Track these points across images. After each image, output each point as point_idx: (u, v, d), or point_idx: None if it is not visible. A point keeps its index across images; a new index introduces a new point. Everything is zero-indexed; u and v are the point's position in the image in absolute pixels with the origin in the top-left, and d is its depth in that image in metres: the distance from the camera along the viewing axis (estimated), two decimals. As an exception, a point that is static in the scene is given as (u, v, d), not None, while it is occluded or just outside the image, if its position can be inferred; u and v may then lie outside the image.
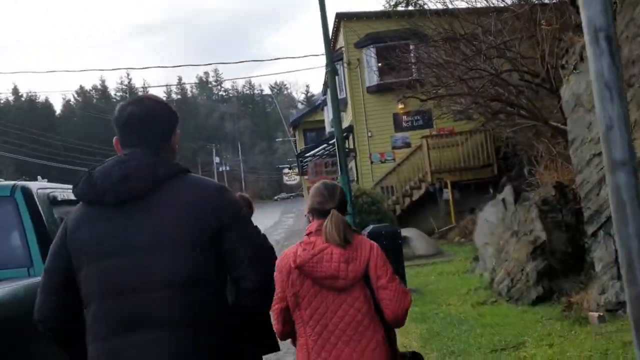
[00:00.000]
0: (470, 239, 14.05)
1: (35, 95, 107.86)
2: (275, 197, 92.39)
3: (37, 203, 3.27)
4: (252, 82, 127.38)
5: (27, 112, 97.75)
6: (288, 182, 46.46)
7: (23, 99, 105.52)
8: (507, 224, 6.58)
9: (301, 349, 2.41)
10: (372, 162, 17.38)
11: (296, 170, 32.63)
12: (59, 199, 3.52)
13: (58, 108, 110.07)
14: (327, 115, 23.93)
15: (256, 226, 1.83)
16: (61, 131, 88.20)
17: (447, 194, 16.01)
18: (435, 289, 8.20)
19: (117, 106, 1.86)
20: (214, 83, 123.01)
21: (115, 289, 1.65)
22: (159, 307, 1.63)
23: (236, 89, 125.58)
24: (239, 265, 1.72)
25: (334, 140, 17.12)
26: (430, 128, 17.33)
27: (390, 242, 7.61)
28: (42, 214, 3.25)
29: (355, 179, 17.49)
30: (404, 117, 17.54)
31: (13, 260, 3.16)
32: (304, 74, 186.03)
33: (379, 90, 17.31)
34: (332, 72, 10.51)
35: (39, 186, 3.52)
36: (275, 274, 1.91)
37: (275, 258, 1.91)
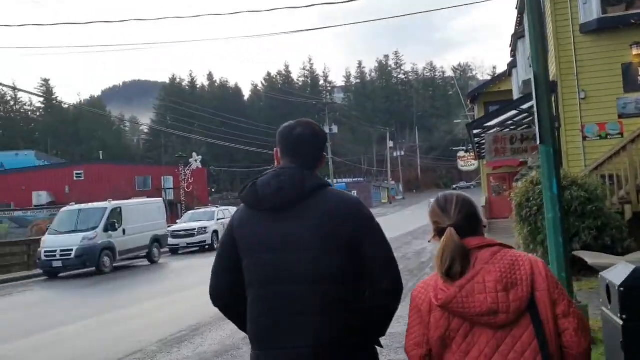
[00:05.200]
0: None
1: (227, 81, 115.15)
2: (454, 186, 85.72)
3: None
4: (434, 65, 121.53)
5: (219, 97, 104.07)
6: (463, 168, 39.37)
7: (216, 84, 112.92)
8: None
9: None
10: (585, 137, 11.58)
11: (472, 154, 26.90)
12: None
13: (246, 93, 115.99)
14: (516, 79, 18.16)
15: (385, 235, 2.10)
16: (248, 114, 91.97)
17: None
18: None
19: (285, 125, 2.22)
20: (393, 66, 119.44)
21: (267, 279, 2.01)
22: (299, 297, 1.97)
23: (416, 72, 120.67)
24: (373, 270, 2.01)
25: (528, 104, 11.74)
26: (686, 86, 11.03)
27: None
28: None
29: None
30: (642, 69, 11.41)
31: None
32: (491, 56, 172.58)
33: (600, 28, 11.45)
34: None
35: None
36: (410, 311, 1.95)
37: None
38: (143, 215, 20.14)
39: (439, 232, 1.95)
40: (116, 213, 18.87)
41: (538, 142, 6.00)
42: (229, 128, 75.90)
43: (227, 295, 2.15)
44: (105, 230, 18.12)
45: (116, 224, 18.59)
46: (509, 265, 1.83)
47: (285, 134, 2.17)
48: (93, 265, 17.49)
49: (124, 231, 18.86)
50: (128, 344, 7.71)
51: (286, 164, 2.13)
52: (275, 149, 2.22)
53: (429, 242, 2.13)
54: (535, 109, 5.92)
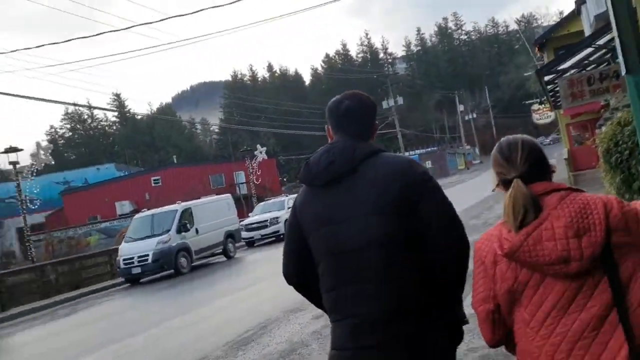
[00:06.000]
0: None
1: (287, 70, 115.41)
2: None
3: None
4: (496, 20, 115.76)
5: (280, 86, 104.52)
6: (539, 121, 36.76)
7: (276, 74, 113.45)
8: None
9: (523, 356, 1.75)
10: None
11: (547, 105, 24.83)
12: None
13: (307, 78, 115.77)
14: (587, 16, 16.41)
15: (444, 193, 1.99)
16: (310, 99, 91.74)
17: None
18: None
19: (332, 100, 2.21)
20: (453, 28, 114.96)
21: (331, 252, 2.04)
22: (363, 265, 1.96)
23: (479, 31, 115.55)
24: (433, 230, 1.94)
25: (605, 37, 10.36)
26: None
27: None
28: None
29: None
30: None
31: None
32: (556, 1, 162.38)
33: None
34: None
35: None
36: (474, 265, 1.83)
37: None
38: (213, 212, 20.17)
39: (504, 183, 1.81)
40: (187, 214, 18.96)
41: (623, 72, 4.96)
42: (292, 116, 75.97)
43: (299, 274, 2.21)
44: (179, 231, 18.24)
45: (188, 225, 18.68)
46: (580, 209, 1.67)
47: (333, 109, 2.18)
48: (171, 267, 17.65)
49: (196, 230, 18.94)
50: (192, 350, 7.37)
51: (337, 138, 2.13)
52: (326, 126, 2.23)
53: (493, 191, 1.86)
54: (615, 33, 4.88)
